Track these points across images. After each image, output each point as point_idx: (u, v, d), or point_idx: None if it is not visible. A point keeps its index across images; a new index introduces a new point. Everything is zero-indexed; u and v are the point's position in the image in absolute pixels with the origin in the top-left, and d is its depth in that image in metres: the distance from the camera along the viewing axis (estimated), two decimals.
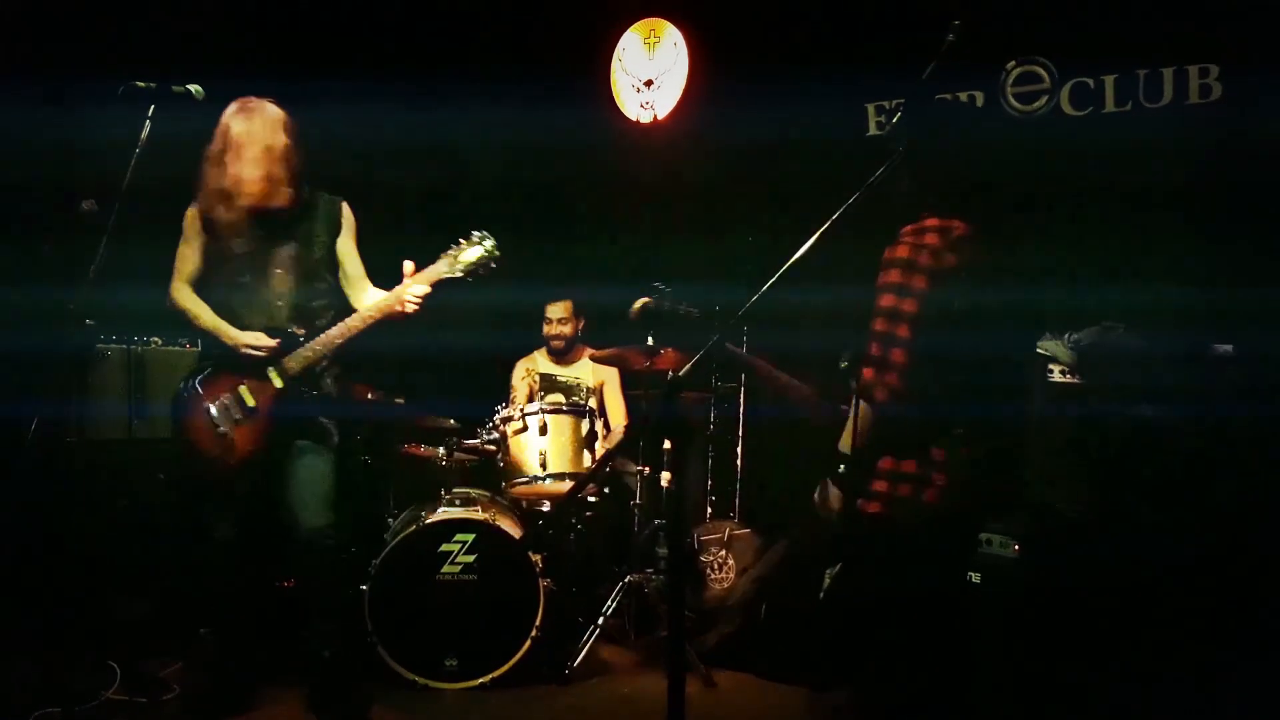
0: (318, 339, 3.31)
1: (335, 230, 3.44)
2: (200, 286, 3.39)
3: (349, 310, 3.41)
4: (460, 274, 3.30)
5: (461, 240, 3.32)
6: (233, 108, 3.28)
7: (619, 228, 5.57)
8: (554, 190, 5.80)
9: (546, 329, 5.11)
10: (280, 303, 3.34)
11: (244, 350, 3.28)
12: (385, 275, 3.46)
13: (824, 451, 2.41)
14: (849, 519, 2.34)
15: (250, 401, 3.29)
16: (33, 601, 3.65)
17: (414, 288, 3.27)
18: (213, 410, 3.28)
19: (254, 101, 3.29)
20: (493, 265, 3.31)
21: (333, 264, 3.45)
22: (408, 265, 3.32)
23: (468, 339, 5.41)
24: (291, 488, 3.34)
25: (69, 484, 3.76)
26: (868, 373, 2.25)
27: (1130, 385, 3.02)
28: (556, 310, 5.08)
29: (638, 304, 3.54)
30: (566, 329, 5.05)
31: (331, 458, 3.40)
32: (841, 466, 2.36)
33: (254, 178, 3.22)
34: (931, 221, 2.29)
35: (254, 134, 3.23)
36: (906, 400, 2.23)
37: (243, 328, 3.30)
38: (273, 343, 3.29)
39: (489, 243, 3.32)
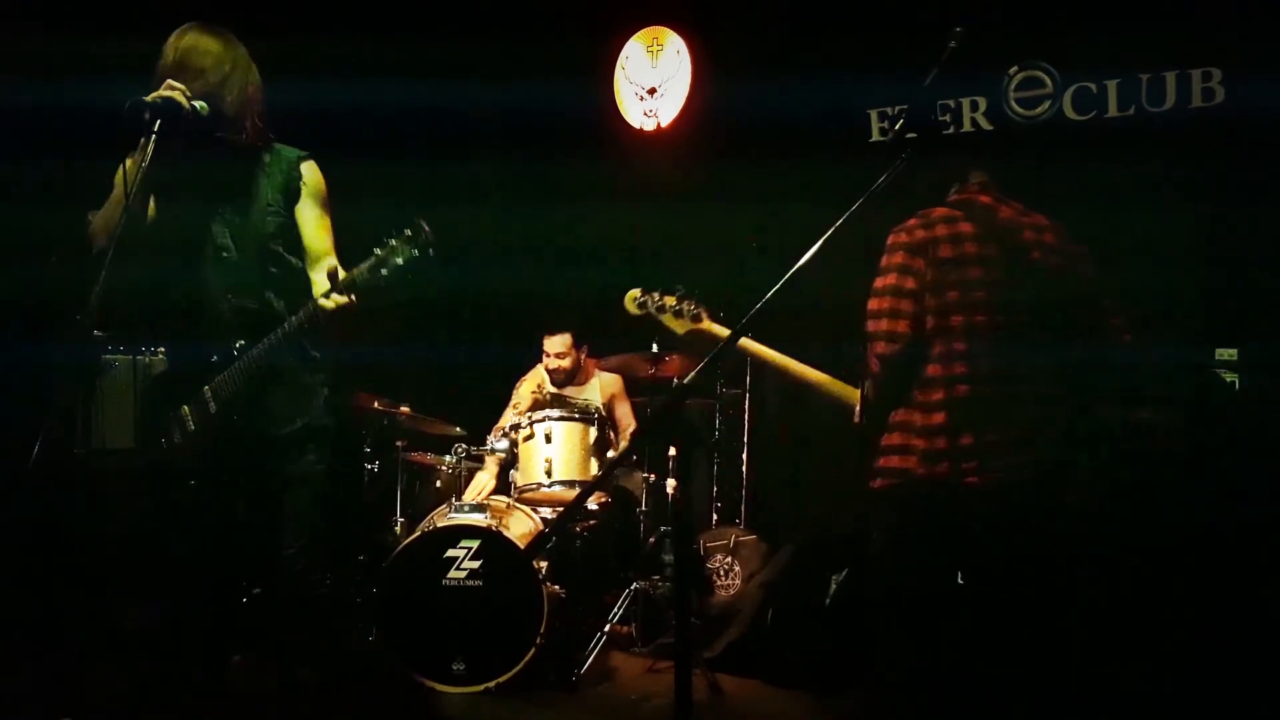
0: (239, 363, 2.71)
1: (293, 193, 2.83)
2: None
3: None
4: (384, 281, 2.60)
5: (391, 240, 2.60)
6: None
7: (622, 234, 5.58)
8: (557, 197, 5.81)
9: (545, 362, 4.86)
10: (230, 295, 2.77)
11: None
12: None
13: (827, 457, 2.42)
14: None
15: (190, 425, 2.78)
16: (41, 612, 3.66)
17: (327, 299, 2.62)
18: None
19: None
20: (423, 261, 2.59)
21: (293, 239, 2.84)
22: (331, 261, 2.77)
23: (473, 346, 5.45)
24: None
25: (77, 495, 3.77)
26: (872, 346, 2.31)
27: (1131, 389, 3.01)
28: (555, 344, 4.78)
29: (629, 295, 3.00)
30: (565, 363, 4.77)
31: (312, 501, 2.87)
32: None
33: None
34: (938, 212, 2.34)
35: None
36: (898, 372, 2.28)
37: (202, 333, 2.78)
38: None
39: (421, 239, 2.58)
